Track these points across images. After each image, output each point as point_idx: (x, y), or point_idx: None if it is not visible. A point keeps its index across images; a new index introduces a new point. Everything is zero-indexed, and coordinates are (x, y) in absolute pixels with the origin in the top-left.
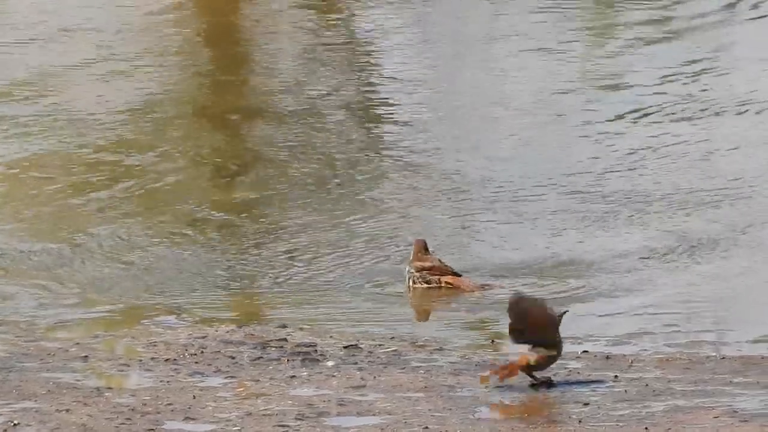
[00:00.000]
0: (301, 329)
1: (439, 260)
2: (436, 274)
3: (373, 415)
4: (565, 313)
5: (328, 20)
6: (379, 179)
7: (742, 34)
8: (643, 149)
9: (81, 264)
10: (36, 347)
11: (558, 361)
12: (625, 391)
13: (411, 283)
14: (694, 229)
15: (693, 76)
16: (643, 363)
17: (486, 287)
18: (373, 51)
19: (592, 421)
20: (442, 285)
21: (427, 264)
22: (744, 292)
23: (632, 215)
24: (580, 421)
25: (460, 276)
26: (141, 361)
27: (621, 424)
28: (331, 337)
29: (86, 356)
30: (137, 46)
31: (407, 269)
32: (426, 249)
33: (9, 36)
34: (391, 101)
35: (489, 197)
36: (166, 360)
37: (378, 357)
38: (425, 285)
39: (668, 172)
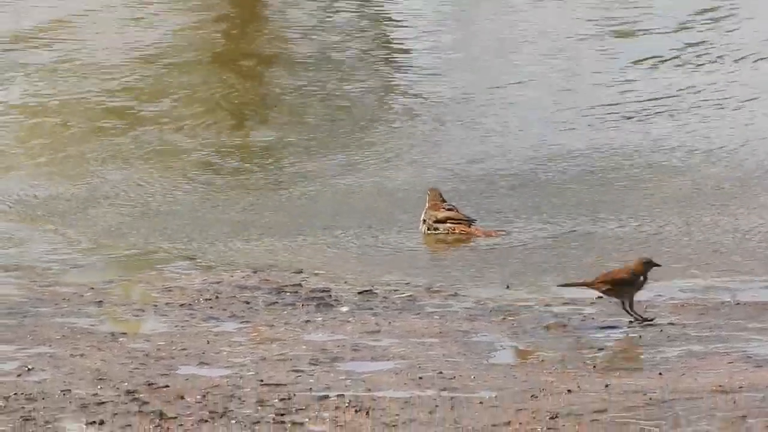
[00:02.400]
0: (316, 274)
1: (453, 207)
2: (452, 223)
3: (387, 360)
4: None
5: None
6: (394, 125)
7: None
8: (660, 96)
9: (96, 209)
10: (50, 292)
11: (572, 306)
12: (640, 336)
13: (426, 230)
14: (714, 176)
15: (711, 23)
16: (658, 309)
17: (499, 233)
18: None
19: (606, 367)
20: (456, 231)
21: (441, 215)
22: (756, 239)
23: (651, 165)
24: (594, 366)
25: (474, 221)
26: (156, 306)
27: (635, 369)
28: (345, 282)
29: (101, 301)
30: None
31: (422, 216)
32: (441, 197)
33: None
34: (406, 47)
35: (506, 144)
36: (181, 305)
37: (393, 302)
38: (439, 232)
39: (685, 122)
